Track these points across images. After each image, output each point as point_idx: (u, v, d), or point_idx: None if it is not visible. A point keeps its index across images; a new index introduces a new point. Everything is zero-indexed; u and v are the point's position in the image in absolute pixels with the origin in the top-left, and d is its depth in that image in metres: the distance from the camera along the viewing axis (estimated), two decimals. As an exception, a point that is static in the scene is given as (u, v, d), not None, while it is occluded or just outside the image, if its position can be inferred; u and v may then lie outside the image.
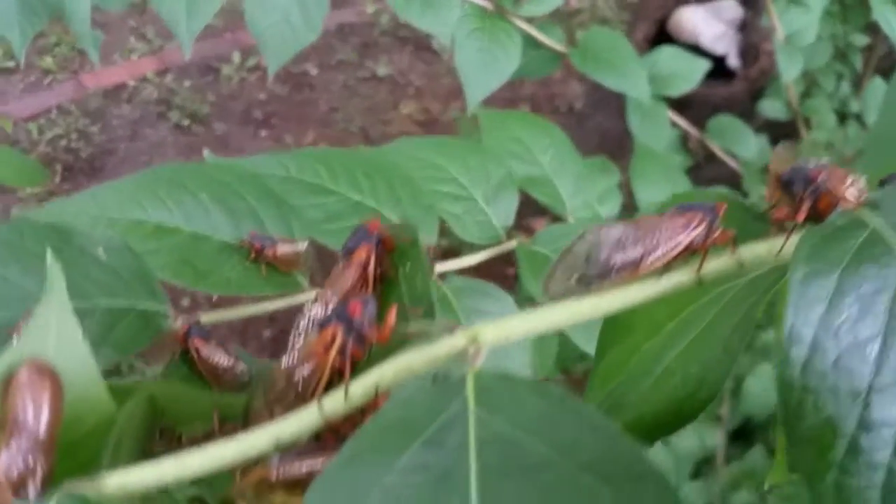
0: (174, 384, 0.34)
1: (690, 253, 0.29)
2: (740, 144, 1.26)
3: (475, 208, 0.72)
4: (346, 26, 2.31)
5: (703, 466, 1.17)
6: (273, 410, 0.30)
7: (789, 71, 1.17)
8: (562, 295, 0.28)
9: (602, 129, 1.80)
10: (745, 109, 1.52)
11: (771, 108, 1.36)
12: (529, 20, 1.06)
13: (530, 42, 1.07)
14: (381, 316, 0.30)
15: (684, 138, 1.33)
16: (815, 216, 0.30)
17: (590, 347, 0.68)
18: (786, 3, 1.16)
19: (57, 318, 0.30)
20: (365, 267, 0.31)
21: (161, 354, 0.47)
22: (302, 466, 0.29)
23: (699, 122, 1.37)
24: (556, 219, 0.83)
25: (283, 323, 1.71)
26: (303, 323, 0.31)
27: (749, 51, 1.73)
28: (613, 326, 0.37)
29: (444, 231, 0.74)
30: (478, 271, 0.76)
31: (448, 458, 0.25)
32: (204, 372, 0.47)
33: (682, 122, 1.25)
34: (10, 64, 2.11)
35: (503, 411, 0.26)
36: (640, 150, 1.08)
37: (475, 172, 0.73)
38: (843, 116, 1.41)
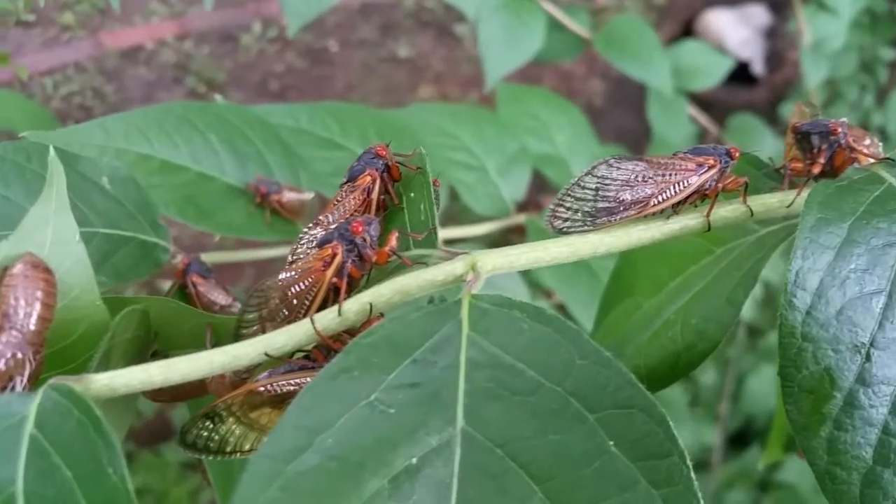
0: (168, 301, 0.33)
1: (701, 197, 0.28)
2: (758, 144, 1.25)
3: (486, 179, 0.72)
4: (369, 6, 2.30)
5: (698, 467, 1.17)
6: (265, 326, 0.29)
7: (813, 76, 1.16)
8: (567, 229, 0.28)
9: (620, 128, 1.79)
10: (766, 116, 1.51)
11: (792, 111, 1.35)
12: (556, 2, 1.05)
13: (555, 26, 1.07)
14: (381, 240, 0.29)
15: (702, 135, 1.32)
16: (830, 172, 0.29)
17: (583, 316, 0.67)
18: (815, 8, 1.15)
19: (55, 216, 0.30)
20: (369, 192, 0.31)
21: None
22: (290, 383, 0.28)
23: (718, 125, 1.36)
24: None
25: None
26: (301, 243, 0.31)
27: (774, 58, 1.72)
28: (617, 286, 0.37)
29: (453, 196, 0.73)
30: (485, 243, 0.76)
31: (437, 378, 0.25)
32: (200, 309, 0.47)
33: (702, 118, 1.24)
34: (31, 17, 2.10)
35: (496, 335, 0.25)
36: (658, 141, 1.07)
37: (489, 143, 0.72)
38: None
